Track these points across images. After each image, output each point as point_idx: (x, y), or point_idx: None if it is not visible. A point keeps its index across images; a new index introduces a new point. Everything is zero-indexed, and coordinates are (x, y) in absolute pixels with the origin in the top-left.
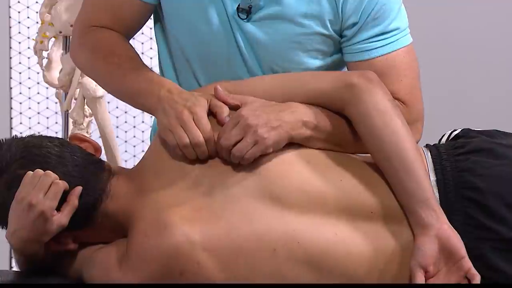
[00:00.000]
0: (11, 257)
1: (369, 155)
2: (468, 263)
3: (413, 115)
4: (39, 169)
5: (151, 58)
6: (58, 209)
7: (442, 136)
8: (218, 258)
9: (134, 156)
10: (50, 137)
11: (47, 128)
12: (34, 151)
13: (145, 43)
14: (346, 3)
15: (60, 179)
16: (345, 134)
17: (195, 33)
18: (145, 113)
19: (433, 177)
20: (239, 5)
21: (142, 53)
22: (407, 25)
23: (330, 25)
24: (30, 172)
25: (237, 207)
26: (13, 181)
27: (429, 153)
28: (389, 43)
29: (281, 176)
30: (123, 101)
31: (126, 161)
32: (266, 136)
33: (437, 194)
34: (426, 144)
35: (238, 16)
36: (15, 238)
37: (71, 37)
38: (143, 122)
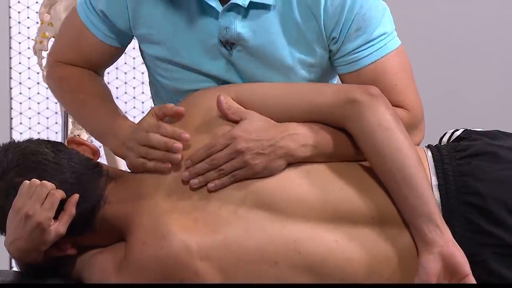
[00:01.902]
0: (11, 257)
1: None
2: (472, 281)
3: (416, 117)
4: (35, 179)
5: None
6: (56, 217)
7: (443, 135)
8: (217, 268)
9: None
10: (47, 142)
11: (47, 128)
12: (31, 158)
13: None
14: (326, 19)
15: (57, 187)
16: (345, 149)
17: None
18: (145, 114)
19: (434, 182)
20: (219, 39)
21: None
22: (393, 29)
23: (317, 45)
24: (27, 181)
25: (235, 220)
26: (10, 189)
27: (430, 155)
28: (376, 50)
29: (281, 188)
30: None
31: None
32: (254, 162)
33: (438, 199)
34: (428, 145)
35: (224, 47)
36: (13, 248)
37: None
38: None
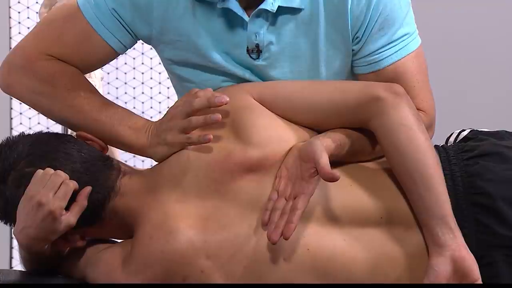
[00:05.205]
0: (11, 257)
1: (380, 160)
2: None
3: (431, 117)
4: (50, 168)
5: (151, 58)
6: (67, 208)
7: (450, 136)
8: (224, 267)
9: (134, 156)
10: (57, 133)
11: (47, 128)
12: (41, 148)
13: None
14: (352, 19)
15: (68, 177)
16: (363, 155)
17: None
18: (145, 114)
19: None
20: (247, 47)
21: (143, 54)
22: (415, 28)
23: (342, 46)
24: (41, 170)
25: (246, 220)
26: (21, 179)
27: (437, 156)
28: (397, 51)
29: None
30: (93, 134)
31: (126, 161)
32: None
33: None
34: (434, 145)
35: (251, 57)
36: (23, 236)
37: (9, 57)
38: None
